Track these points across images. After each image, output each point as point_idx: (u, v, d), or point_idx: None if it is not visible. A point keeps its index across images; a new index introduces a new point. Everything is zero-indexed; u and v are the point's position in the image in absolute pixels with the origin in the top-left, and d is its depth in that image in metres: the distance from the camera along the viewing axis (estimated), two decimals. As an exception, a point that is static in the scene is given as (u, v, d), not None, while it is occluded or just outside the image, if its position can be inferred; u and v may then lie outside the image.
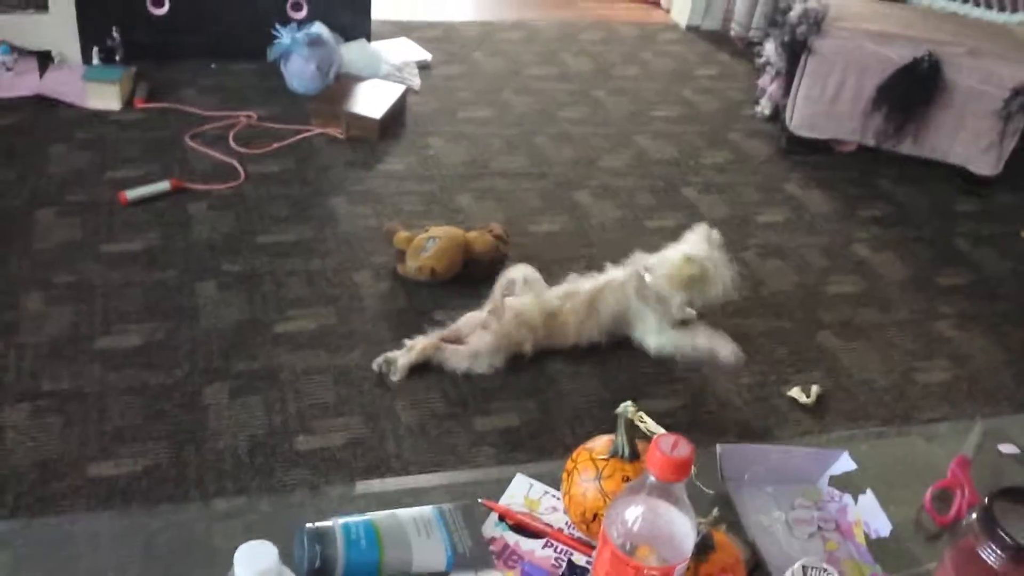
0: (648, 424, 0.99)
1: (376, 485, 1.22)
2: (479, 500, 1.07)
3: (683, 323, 2.55)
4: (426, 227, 2.74)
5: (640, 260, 2.55)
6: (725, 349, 2.48)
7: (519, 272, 2.54)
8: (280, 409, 2.18)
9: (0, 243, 2.60)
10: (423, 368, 2.36)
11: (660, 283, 2.48)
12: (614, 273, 2.55)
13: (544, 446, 2.18)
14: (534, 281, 2.52)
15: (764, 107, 3.94)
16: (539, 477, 1.12)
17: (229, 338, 2.37)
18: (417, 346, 2.37)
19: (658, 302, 2.48)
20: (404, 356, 2.35)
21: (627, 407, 0.99)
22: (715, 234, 2.53)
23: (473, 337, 2.42)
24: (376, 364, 2.33)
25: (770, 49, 3.81)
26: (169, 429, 2.08)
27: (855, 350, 2.66)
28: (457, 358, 2.38)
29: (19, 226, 2.69)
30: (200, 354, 2.30)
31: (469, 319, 2.48)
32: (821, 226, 3.26)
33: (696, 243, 2.52)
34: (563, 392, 2.36)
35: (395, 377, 2.31)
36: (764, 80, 3.93)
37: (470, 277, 2.68)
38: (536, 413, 2.28)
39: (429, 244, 2.63)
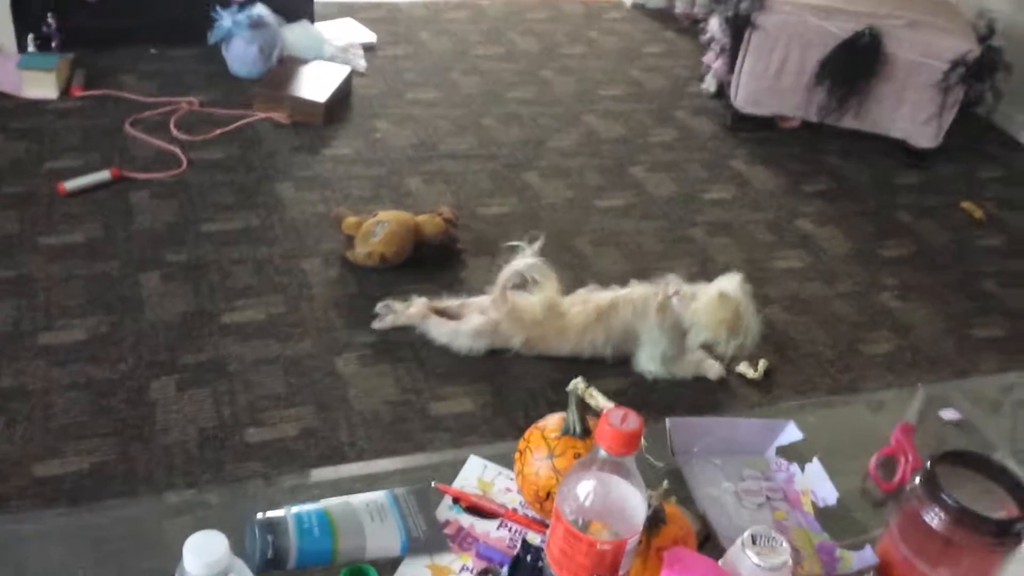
0: (598, 400, 1.00)
1: (330, 472, 1.21)
2: (432, 483, 1.07)
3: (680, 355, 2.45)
4: (375, 212, 2.72)
5: (672, 282, 2.41)
6: (712, 372, 2.44)
7: (525, 264, 2.32)
8: (229, 401, 2.15)
9: (-67, 238, 2.52)
10: (377, 355, 2.35)
11: (690, 314, 2.35)
12: (639, 287, 2.43)
13: (499, 429, 2.19)
14: (544, 277, 2.34)
15: (709, 84, 3.96)
16: (493, 459, 1.12)
17: (175, 330, 2.33)
18: (408, 310, 2.41)
19: (673, 328, 2.36)
20: (392, 316, 2.41)
21: (577, 384, 1.00)
22: (747, 285, 2.38)
23: (466, 316, 2.43)
24: (379, 307, 2.44)
25: (714, 25, 3.84)
26: (116, 425, 2.04)
27: (801, 324, 2.71)
28: (439, 330, 2.39)
29: (-47, 220, 2.61)
30: (145, 347, 2.26)
31: (477, 301, 2.47)
32: (766, 202, 3.30)
33: (729, 288, 2.35)
34: (516, 375, 2.36)
35: (376, 325, 2.41)
36: (709, 57, 3.95)
37: (421, 261, 2.67)
38: (490, 396, 2.28)
39: (378, 229, 2.61)
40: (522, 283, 2.38)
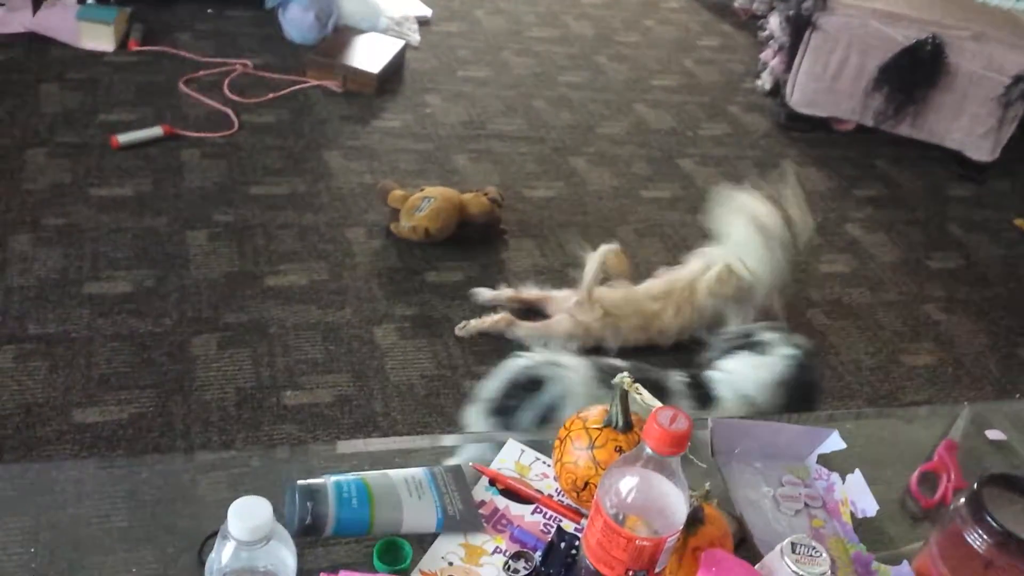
0: (644, 396, 0.99)
1: (369, 444, 1.22)
2: (470, 463, 1.07)
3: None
4: (421, 186, 2.72)
5: (719, 252, 2.48)
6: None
7: (602, 251, 2.36)
8: (268, 363, 2.17)
9: (-12, 182, 2.57)
10: (415, 328, 2.36)
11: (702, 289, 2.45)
12: (695, 263, 2.49)
13: (531, 411, 2.19)
14: (619, 268, 2.40)
15: (765, 81, 3.91)
16: (531, 444, 1.12)
17: (219, 289, 2.35)
18: (491, 317, 2.37)
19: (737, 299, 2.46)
20: (477, 321, 2.36)
21: (623, 378, 0.99)
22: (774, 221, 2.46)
23: (555, 318, 2.39)
24: (458, 329, 2.36)
25: (774, 23, 3.78)
26: (156, 378, 2.07)
27: (844, 329, 2.67)
28: (529, 336, 2.36)
29: (9, 165, 2.64)
30: (189, 304, 2.29)
31: (562, 298, 2.42)
32: (816, 204, 3.25)
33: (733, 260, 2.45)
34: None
35: (459, 332, 2.36)
36: (766, 54, 3.90)
37: (464, 239, 2.67)
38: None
39: (424, 204, 2.61)
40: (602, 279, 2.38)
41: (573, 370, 1.63)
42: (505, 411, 1.60)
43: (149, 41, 3.37)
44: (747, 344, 1.80)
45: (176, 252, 2.44)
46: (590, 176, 3.14)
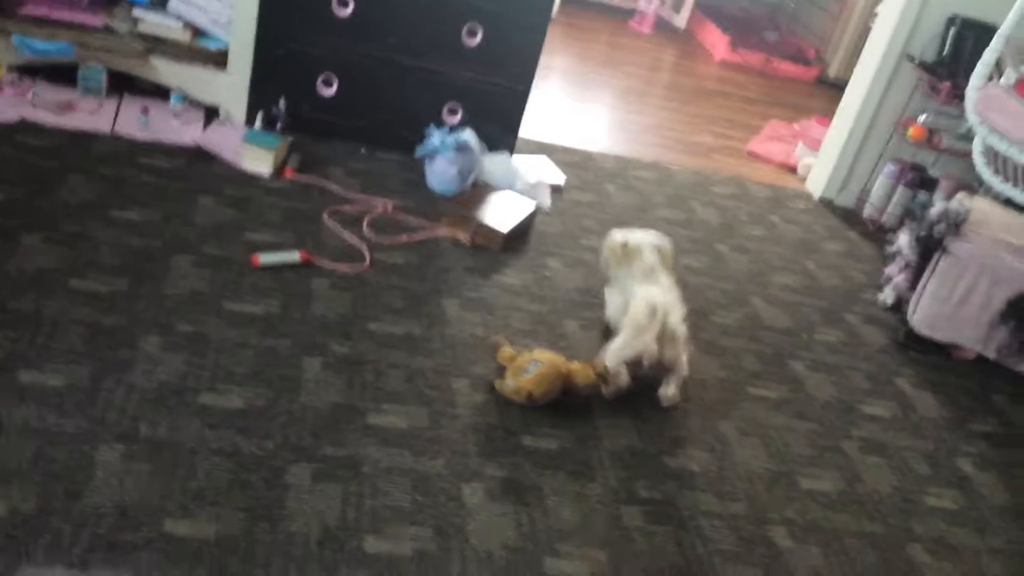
0: None
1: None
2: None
3: None
4: (532, 348, 2.77)
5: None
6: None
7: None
8: (356, 504, 2.19)
9: (133, 280, 2.73)
10: (503, 492, 2.35)
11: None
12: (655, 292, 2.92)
13: (607, 602, 2.13)
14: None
15: (887, 296, 3.87)
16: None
17: (323, 419, 2.41)
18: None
19: None
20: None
21: None
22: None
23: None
24: None
25: (903, 240, 3.78)
26: (249, 501, 2.11)
27: (945, 571, 2.53)
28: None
29: (154, 267, 2.82)
30: (293, 430, 2.35)
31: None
32: (928, 431, 3.15)
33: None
34: (638, 551, 2.30)
35: None
36: (891, 268, 3.88)
37: (565, 406, 2.68)
38: (606, 566, 2.23)
39: (531, 367, 2.65)
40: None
41: None
42: None
43: (303, 171, 3.60)
44: None
45: (290, 376, 2.53)
46: (695, 363, 3.13)
